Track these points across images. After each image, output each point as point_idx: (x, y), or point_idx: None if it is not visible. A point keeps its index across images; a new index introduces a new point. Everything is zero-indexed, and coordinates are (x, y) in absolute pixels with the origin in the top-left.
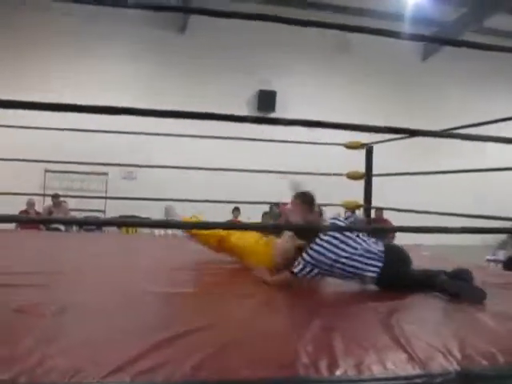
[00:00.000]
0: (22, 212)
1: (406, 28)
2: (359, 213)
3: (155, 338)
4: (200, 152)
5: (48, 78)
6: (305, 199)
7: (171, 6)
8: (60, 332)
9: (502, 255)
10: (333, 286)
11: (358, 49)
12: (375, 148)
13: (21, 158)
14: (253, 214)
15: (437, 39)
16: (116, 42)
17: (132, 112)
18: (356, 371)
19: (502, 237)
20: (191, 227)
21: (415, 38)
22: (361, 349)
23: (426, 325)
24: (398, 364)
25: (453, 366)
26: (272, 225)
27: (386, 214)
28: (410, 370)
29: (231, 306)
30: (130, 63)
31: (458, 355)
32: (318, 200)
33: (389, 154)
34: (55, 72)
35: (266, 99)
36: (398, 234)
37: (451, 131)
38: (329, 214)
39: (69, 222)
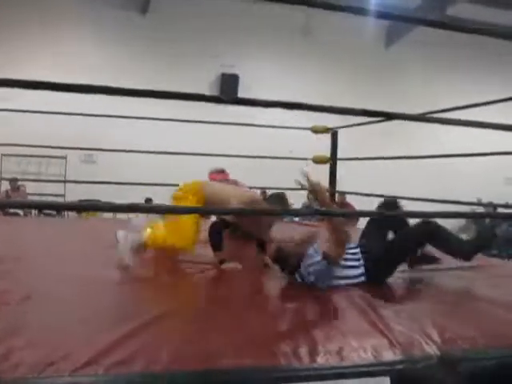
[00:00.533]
0: None
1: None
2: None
3: (124, 328)
4: (163, 135)
5: (10, 58)
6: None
7: None
8: (26, 322)
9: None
10: None
11: (321, 34)
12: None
13: None
14: None
15: (407, 18)
16: (77, 23)
17: (95, 90)
18: (338, 358)
19: (463, 221)
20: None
21: (382, 15)
22: (341, 336)
23: (405, 310)
24: (378, 350)
25: (433, 351)
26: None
27: (349, 198)
28: (391, 355)
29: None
30: (91, 44)
31: (438, 340)
32: (284, 184)
33: (353, 140)
34: (18, 52)
35: (229, 83)
36: (361, 219)
37: (426, 115)
38: (292, 200)
39: (26, 206)
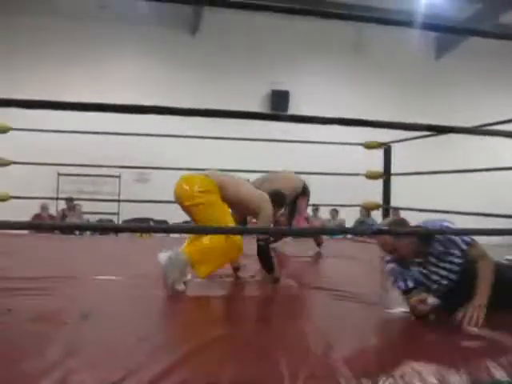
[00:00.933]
0: (35, 215)
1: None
2: (377, 213)
3: (185, 347)
4: (215, 153)
5: (63, 79)
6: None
7: None
8: (84, 342)
9: None
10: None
11: (371, 48)
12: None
13: (34, 161)
14: None
15: (456, 29)
16: (129, 43)
17: (151, 110)
18: None
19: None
20: (195, 231)
21: (431, 27)
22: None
23: None
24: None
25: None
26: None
27: (403, 214)
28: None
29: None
30: (142, 64)
31: None
32: (337, 201)
33: (406, 154)
34: (68, 73)
35: (279, 99)
36: None
37: (484, 127)
38: (343, 214)
39: (81, 228)
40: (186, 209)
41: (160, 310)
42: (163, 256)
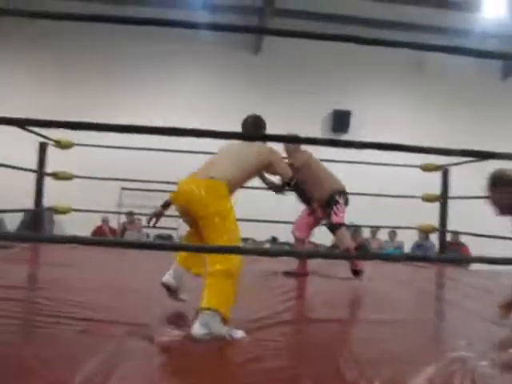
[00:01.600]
0: (97, 227)
1: (486, 45)
2: (434, 237)
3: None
4: None
5: (122, 97)
6: None
7: (248, 27)
8: (126, 355)
9: None
10: None
11: (433, 67)
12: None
13: (98, 176)
14: (324, 235)
15: None
16: (192, 63)
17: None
18: None
19: None
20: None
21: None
22: None
23: None
24: None
25: None
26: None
27: (463, 237)
28: None
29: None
30: (205, 84)
31: None
32: (392, 223)
33: (464, 176)
34: (138, 95)
35: (340, 119)
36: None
37: None
38: (401, 237)
39: (138, 246)
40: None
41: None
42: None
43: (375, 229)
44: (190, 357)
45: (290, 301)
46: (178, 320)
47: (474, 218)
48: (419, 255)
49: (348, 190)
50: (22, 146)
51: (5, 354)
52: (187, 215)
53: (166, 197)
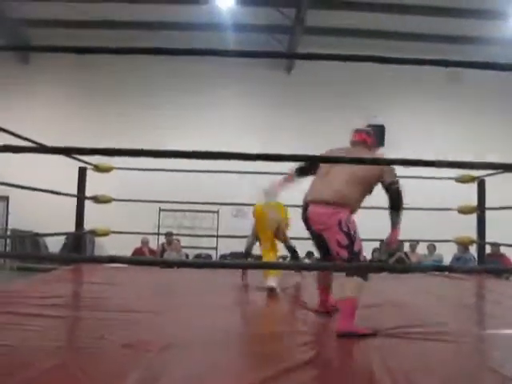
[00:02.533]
0: (136, 249)
1: None
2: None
3: (258, 376)
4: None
5: (164, 121)
6: None
7: (278, 53)
8: (164, 369)
9: None
10: None
11: (471, 78)
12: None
13: (137, 198)
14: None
15: None
16: (225, 84)
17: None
18: None
19: None
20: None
21: None
22: None
23: None
24: None
25: None
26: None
27: (504, 249)
28: None
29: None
30: (239, 104)
31: None
32: (430, 236)
33: (500, 186)
34: (168, 114)
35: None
36: None
37: None
38: (440, 250)
39: (178, 264)
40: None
41: (245, 340)
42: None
43: (414, 243)
44: (227, 371)
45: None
46: (211, 336)
47: None
48: (448, 265)
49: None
50: (61, 171)
51: (51, 368)
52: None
53: (204, 217)
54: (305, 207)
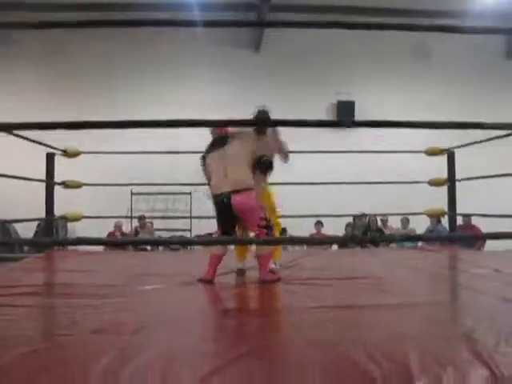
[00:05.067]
0: (110, 233)
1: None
2: (444, 221)
3: (232, 354)
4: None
5: (129, 99)
6: None
7: (248, 22)
8: (136, 351)
9: None
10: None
11: (438, 53)
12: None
13: (109, 182)
14: (336, 227)
15: None
16: (192, 63)
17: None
18: None
19: None
20: (270, 242)
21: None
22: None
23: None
24: None
25: None
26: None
27: (475, 220)
28: None
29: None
30: (207, 83)
31: None
32: (402, 210)
33: (471, 158)
34: (136, 93)
35: (345, 110)
36: (490, 241)
37: None
38: (414, 224)
39: (149, 242)
40: None
41: (220, 321)
42: None
43: (385, 217)
44: (200, 351)
45: (300, 287)
46: (184, 317)
47: (483, 198)
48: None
49: (355, 179)
50: (29, 158)
51: (21, 355)
52: None
53: (176, 199)
54: None
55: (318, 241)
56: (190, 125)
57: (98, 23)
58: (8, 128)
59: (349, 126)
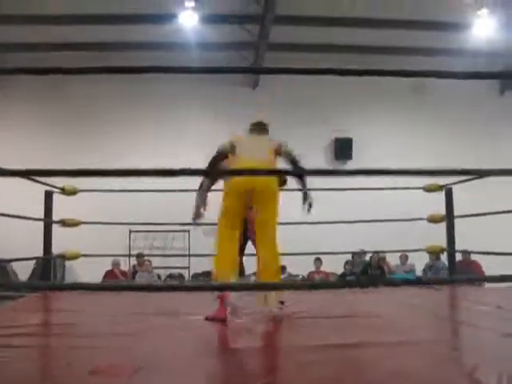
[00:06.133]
0: (108, 271)
1: (478, 62)
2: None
3: None
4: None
5: (129, 140)
6: None
7: (244, 68)
8: None
9: None
10: None
11: (433, 89)
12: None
13: (106, 220)
14: (335, 264)
15: None
16: (190, 101)
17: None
18: None
19: None
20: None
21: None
22: None
23: None
24: None
25: None
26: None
27: (475, 256)
28: None
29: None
30: (204, 120)
31: None
32: (401, 246)
33: (468, 195)
34: (134, 134)
35: (343, 147)
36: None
37: None
38: (412, 260)
39: (147, 288)
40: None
41: (218, 361)
42: None
43: (383, 254)
44: None
45: (299, 326)
46: (181, 359)
47: (482, 235)
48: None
49: (351, 217)
50: (26, 196)
51: None
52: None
53: (175, 236)
54: None
55: (322, 285)
56: (192, 173)
57: (95, 70)
58: (10, 174)
59: (345, 175)
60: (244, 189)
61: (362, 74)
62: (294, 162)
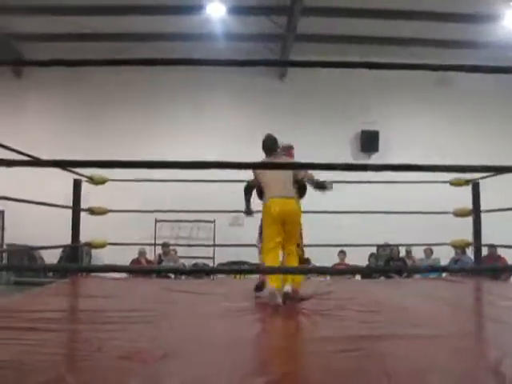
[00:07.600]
0: (134, 260)
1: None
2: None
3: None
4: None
5: (158, 130)
6: None
7: (271, 61)
8: (161, 379)
9: None
10: None
11: (460, 81)
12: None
13: (134, 208)
14: (359, 257)
15: None
16: (218, 91)
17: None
18: None
19: None
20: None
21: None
22: None
23: None
24: None
25: None
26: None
27: (501, 250)
28: None
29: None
30: (232, 110)
31: None
32: (425, 240)
33: (495, 189)
34: (162, 123)
35: (369, 139)
36: None
37: None
38: (438, 254)
39: (174, 271)
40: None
41: (242, 349)
42: None
43: (409, 248)
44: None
45: (325, 317)
46: (208, 345)
47: (508, 230)
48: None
49: (376, 208)
50: (56, 184)
51: (47, 382)
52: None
53: (199, 226)
54: None
55: (343, 271)
56: (218, 166)
57: (118, 62)
58: (39, 164)
59: (373, 171)
60: (280, 218)
61: (388, 67)
62: (317, 185)
